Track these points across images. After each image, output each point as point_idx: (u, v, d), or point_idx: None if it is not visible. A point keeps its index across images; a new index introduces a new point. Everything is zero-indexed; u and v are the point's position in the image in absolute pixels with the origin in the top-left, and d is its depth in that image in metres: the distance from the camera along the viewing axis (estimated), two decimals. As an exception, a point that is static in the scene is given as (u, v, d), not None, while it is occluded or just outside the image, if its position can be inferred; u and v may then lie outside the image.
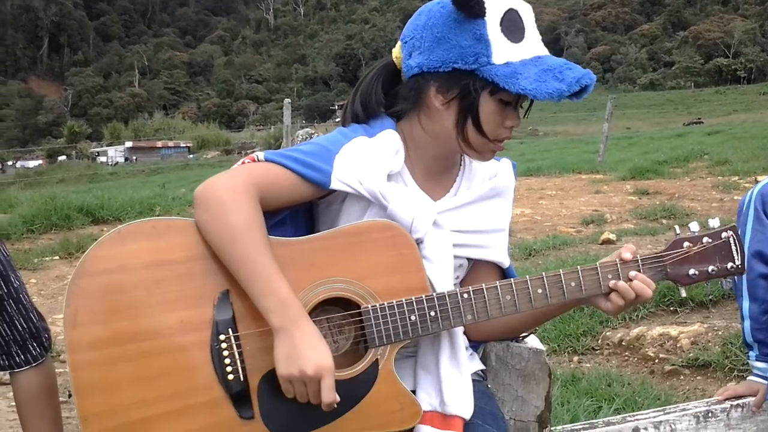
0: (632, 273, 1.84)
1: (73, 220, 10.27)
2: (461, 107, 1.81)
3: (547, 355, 5.00)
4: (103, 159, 77.09)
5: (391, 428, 1.76)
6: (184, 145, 78.67)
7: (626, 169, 13.88)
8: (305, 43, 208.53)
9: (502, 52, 1.74)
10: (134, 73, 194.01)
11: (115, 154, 79.10)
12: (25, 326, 1.92)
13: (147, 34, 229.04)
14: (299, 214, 1.94)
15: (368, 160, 1.81)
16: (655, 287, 1.85)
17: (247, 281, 1.66)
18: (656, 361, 4.66)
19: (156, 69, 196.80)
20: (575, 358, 4.94)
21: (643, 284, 1.83)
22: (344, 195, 1.85)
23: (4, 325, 1.90)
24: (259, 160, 1.81)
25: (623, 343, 4.94)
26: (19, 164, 73.95)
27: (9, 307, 1.89)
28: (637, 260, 1.87)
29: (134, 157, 76.31)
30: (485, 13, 1.73)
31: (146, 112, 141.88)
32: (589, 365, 4.80)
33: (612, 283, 1.84)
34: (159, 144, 78.49)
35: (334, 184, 1.79)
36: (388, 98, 1.95)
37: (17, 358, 1.92)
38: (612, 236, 7.78)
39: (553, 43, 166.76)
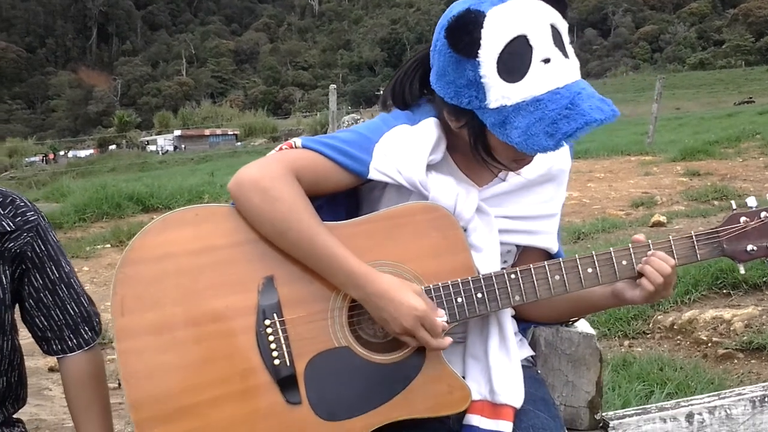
0: (649, 252, 1.79)
1: (124, 209, 10.42)
2: (471, 135, 1.72)
3: (598, 339, 4.96)
4: (152, 148, 77.88)
5: (442, 412, 1.74)
6: (232, 133, 79.10)
7: (676, 150, 13.66)
8: (350, 29, 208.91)
9: (496, 95, 1.59)
10: (181, 61, 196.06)
11: (164, 142, 79.83)
12: (77, 310, 1.93)
13: (193, 23, 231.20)
14: (337, 200, 1.90)
15: (408, 149, 1.76)
16: (674, 262, 1.79)
17: (312, 262, 1.68)
18: (709, 344, 4.58)
19: (203, 57, 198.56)
20: (626, 342, 4.88)
21: (660, 260, 1.77)
22: (385, 183, 1.81)
23: (57, 310, 1.90)
24: (296, 147, 1.78)
25: (675, 327, 4.86)
26: (71, 154, 75.03)
27: (61, 291, 1.90)
28: (691, 235, 1.82)
29: (183, 146, 76.93)
30: (477, 54, 1.58)
31: (194, 100, 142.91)
32: (640, 349, 4.73)
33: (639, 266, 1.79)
34: (207, 132, 78.98)
35: (372, 174, 1.75)
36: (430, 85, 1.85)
37: (69, 343, 1.92)
38: (662, 218, 7.66)
39: (600, 23, 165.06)
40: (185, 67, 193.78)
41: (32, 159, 66.33)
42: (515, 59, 1.58)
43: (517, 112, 1.58)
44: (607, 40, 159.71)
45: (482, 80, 1.59)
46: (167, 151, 72.31)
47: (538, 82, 1.58)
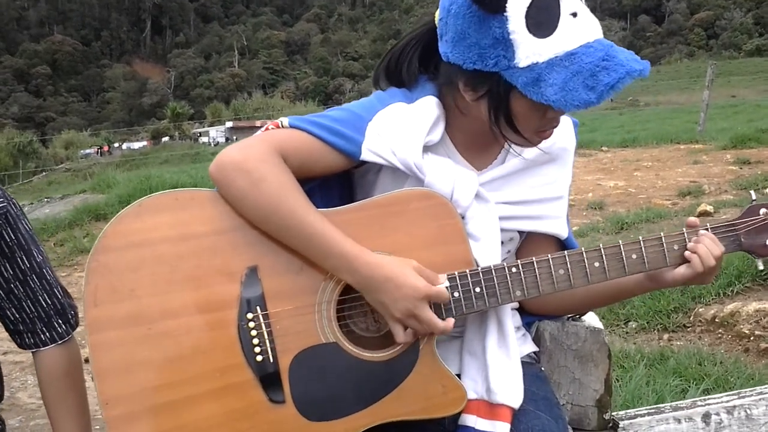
0: (701, 231, 1.70)
1: (168, 200, 10.46)
2: (491, 105, 1.61)
3: (636, 332, 4.83)
4: (204, 139, 78.59)
5: (435, 413, 1.65)
6: (283, 124, 79.51)
7: (727, 138, 13.31)
8: (400, 18, 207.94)
9: (527, 51, 1.51)
10: (234, 53, 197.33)
11: (216, 134, 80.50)
12: (49, 302, 1.86)
13: (245, 14, 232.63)
14: (330, 185, 1.80)
15: (403, 129, 1.66)
16: (722, 252, 1.70)
17: (302, 246, 1.58)
18: (751, 338, 4.42)
19: (255, 49, 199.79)
20: (665, 336, 4.74)
21: (712, 242, 1.69)
22: (379, 165, 1.72)
23: (28, 301, 1.83)
24: (283, 126, 1.68)
25: (716, 320, 4.70)
26: (125, 146, 76.04)
27: (32, 282, 1.83)
28: (707, 227, 1.71)
29: (235, 137, 77.35)
30: (505, 8, 1.50)
31: (246, 91, 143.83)
32: (680, 343, 4.59)
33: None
34: (258, 123, 79.05)
35: (365, 155, 1.65)
36: (430, 62, 1.76)
37: (42, 336, 1.86)
38: (709, 208, 7.47)
39: (654, 9, 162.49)
40: (237, 59, 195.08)
41: (87, 151, 67.30)
42: (544, 13, 1.50)
43: (550, 68, 1.50)
44: (661, 26, 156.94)
45: (511, 37, 1.50)
46: (218, 142, 72.88)
47: (569, 36, 1.51)
